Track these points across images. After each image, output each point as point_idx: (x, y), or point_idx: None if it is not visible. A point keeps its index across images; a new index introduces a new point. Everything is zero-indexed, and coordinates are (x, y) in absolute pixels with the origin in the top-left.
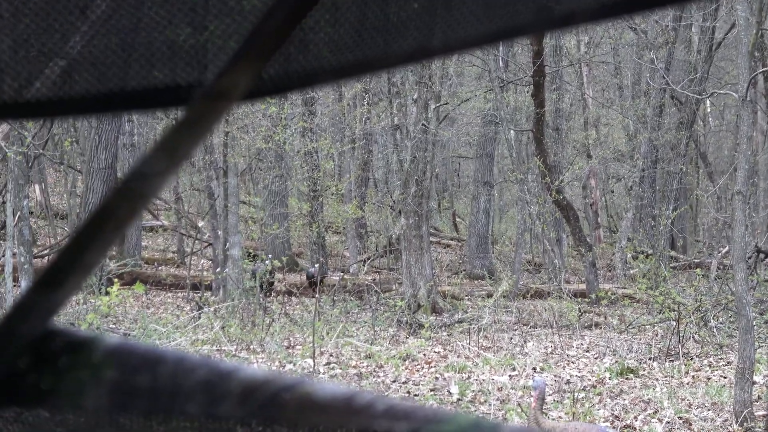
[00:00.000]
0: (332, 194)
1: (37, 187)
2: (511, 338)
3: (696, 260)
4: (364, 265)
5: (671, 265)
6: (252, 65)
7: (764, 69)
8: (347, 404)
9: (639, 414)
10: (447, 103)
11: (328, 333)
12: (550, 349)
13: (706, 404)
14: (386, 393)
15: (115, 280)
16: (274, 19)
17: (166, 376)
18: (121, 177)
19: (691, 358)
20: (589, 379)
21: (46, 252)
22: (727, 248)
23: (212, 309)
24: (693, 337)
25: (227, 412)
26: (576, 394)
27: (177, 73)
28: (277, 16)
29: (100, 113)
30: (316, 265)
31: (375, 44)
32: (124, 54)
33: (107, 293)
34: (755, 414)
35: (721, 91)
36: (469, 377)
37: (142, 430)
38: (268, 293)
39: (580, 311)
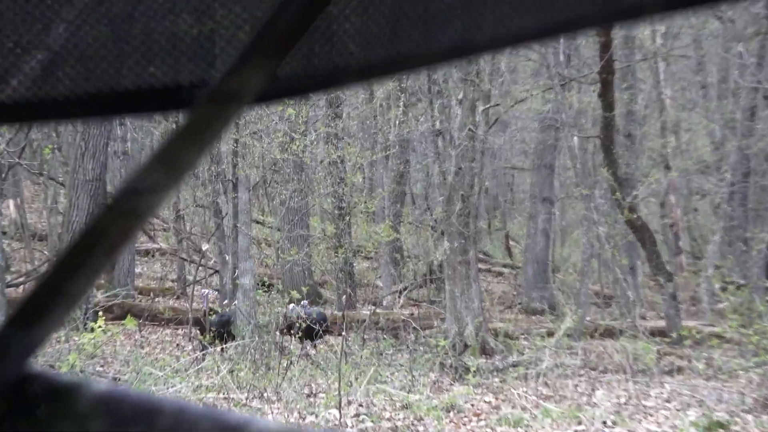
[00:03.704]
0: (361, 213)
1: (11, 202)
2: (577, 386)
3: None
4: (399, 297)
5: None
6: (265, 63)
7: None
8: None
9: None
10: (498, 104)
11: (356, 378)
12: (623, 399)
13: None
14: None
15: (102, 314)
16: (292, 9)
17: (165, 429)
18: (113, 192)
19: None
20: None
21: (21, 280)
22: None
23: (219, 349)
24: None
25: None
26: None
27: (178, 71)
28: (295, 5)
29: (87, 118)
30: (314, 309)
31: (412, 38)
32: (116, 48)
33: (92, 329)
34: None
35: None
36: None
37: None
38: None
39: (658, 353)
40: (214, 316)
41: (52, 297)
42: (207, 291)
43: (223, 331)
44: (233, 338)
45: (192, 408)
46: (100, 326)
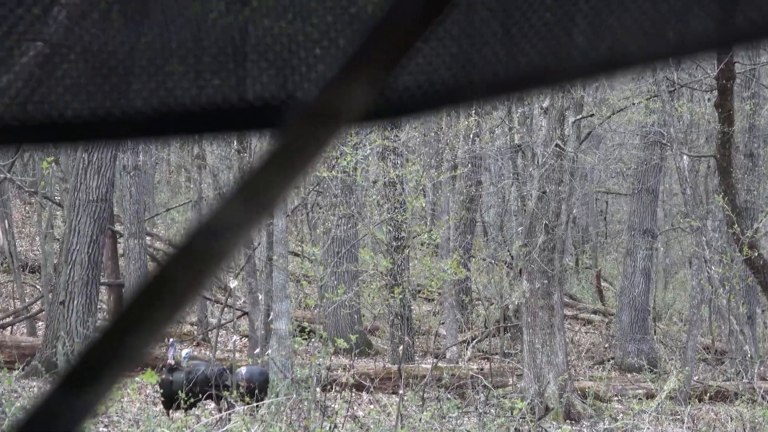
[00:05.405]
0: (422, 244)
1: None
2: None
3: None
4: (467, 349)
5: None
6: (373, 74)
7: None
8: None
9: None
10: (592, 115)
11: None
12: None
13: None
14: None
15: None
16: (406, 8)
17: None
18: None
19: None
20: None
21: (9, 320)
22: None
23: (248, 407)
24: None
25: None
26: None
27: (262, 83)
28: (410, 3)
29: (106, 141)
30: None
31: (552, 47)
32: (173, 51)
33: None
34: None
35: None
36: None
37: None
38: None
39: None
40: (174, 374)
41: (109, 357)
42: (171, 339)
43: (178, 394)
44: (190, 405)
45: None
46: None
